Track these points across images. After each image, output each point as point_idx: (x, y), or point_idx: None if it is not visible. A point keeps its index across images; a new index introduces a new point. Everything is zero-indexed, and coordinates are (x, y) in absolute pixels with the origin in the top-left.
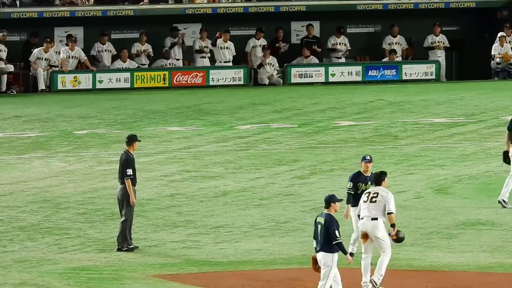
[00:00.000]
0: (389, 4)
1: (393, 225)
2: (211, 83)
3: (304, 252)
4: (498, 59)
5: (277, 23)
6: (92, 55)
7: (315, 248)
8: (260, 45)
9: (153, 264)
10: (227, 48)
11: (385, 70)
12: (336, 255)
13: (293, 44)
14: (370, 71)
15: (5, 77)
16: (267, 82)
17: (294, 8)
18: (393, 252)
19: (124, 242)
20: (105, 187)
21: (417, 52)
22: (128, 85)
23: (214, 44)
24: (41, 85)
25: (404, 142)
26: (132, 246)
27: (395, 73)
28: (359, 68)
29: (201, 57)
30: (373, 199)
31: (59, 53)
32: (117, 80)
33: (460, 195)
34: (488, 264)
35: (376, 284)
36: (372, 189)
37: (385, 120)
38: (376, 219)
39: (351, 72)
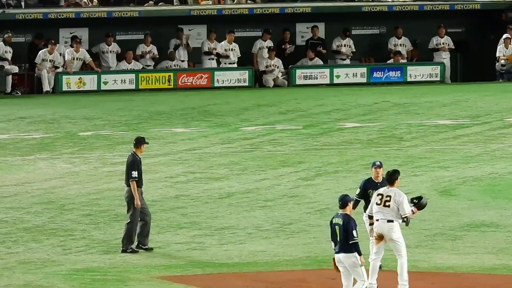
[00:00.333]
0: (394, 5)
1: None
2: (216, 84)
3: (309, 254)
4: (503, 61)
5: (282, 24)
6: (94, 52)
7: (335, 250)
8: (266, 47)
9: (158, 265)
10: (232, 49)
11: (390, 72)
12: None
13: (298, 46)
14: (375, 72)
15: (10, 78)
16: (271, 84)
17: (299, 10)
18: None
19: (129, 244)
20: (110, 189)
21: (422, 54)
22: (133, 86)
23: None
24: (46, 87)
25: (409, 144)
26: (132, 249)
27: (400, 74)
28: (364, 70)
29: (209, 59)
30: (387, 203)
31: (63, 55)
32: (122, 82)
33: (464, 196)
34: (493, 265)
35: None
36: (385, 190)
37: (390, 122)
38: (392, 221)
39: (356, 73)
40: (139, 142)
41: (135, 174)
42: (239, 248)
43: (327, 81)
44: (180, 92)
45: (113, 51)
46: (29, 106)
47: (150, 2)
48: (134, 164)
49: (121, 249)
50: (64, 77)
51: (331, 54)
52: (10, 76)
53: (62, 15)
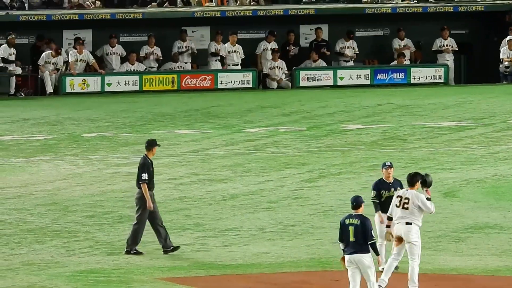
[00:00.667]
0: (397, 7)
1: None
2: (219, 86)
3: (312, 256)
4: (506, 63)
5: (286, 26)
6: (98, 55)
7: (343, 250)
8: (270, 49)
9: (161, 267)
10: (235, 51)
11: (394, 74)
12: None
13: (302, 48)
14: (378, 74)
15: (13, 79)
16: (275, 86)
17: (302, 12)
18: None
19: (133, 245)
20: (114, 190)
21: (426, 56)
22: (136, 88)
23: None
24: (49, 88)
25: (413, 146)
26: (136, 250)
27: (403, 76)
28: (367, 72)
29: (216, 60)
30: (405, 206)
31: (67, 56)
32: (125, 83)
33: (468, 198)
34: (496, 267)
35: None
36: (404, 192)
37: (393, 124)
38: (410, 223)
39: (360, 75)
40: (151, 144)
41: (145, 176)
42: (242, 250)
43: (331, 82)
44: (184, 93)
45: (117, 53)
46: (32, 108)
47: (154, 3)
48: (144, 166)
49: (126, 249)
50: (68, 78)
51: (334, 56)
52: (14, 77)
53: (66, 17)
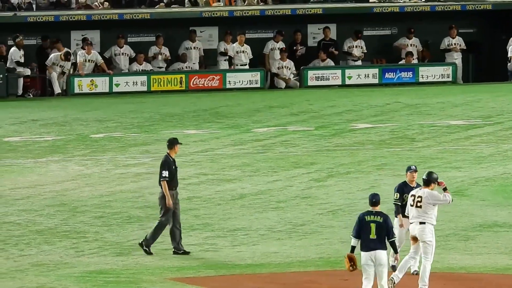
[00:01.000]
0: (405, 6)
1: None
2: (227, 86)
3: (321, 255)
4: None
5: (294, 26)
6: (107, 57)
7: (353, 247)
8: (278, 48)
9: (170, 267)
10: (243, 51)
11: (402, 73)
12: None
13: (310, 47)
14: (386, 73)
15: (21, 80)
16: (283, 85)
17: (310, 11)
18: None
19: (150, 241)
20: (122, 191)
21: (434, 55)
22: (145, 88)
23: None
24: (57, 89)
25: (421, 145)
26: (149, 250)
27: (411, 75)
28: (375, 71)
29: (225, 60)
30: (418, 204)
31: (75, 60)
32: (133, 84)
33: (477, 197)
34: (506, 266)
35: None
36: (417, 191)
37: (401, 123)
38: (423, 223)
39: (368, 74)
40: (172, 143)
41: (165, 174)
42: (251, 250)
43: (339, 82)
44: (192, 93)
45: (125, 54)
46: (41, 109)
47: (162, 4)
48: (165, 164)
49: (141, 241)
50: (76, 79)
51: (342, 55)
52: (22, 78)
53: (74, 18)
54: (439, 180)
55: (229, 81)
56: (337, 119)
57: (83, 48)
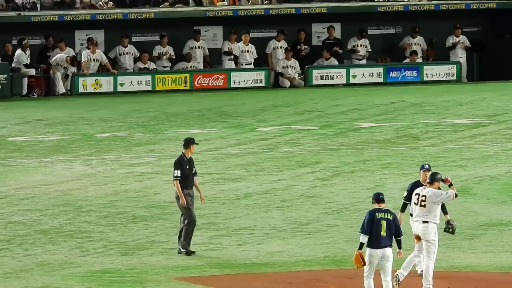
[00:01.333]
0: (410, 5)
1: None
2: (232, 85)
3: (326, 254)
4: None
5: (298, 25)
6: (111, 57)
7: (362, 244)
8: (280, 47)
9: (175, 266)
10: (248, 51)
11: (406, 71)
12: None
13: (314, 46)
14: (391, 72)
15: (26, 80)
16: (288, 84)
17: (315, 10)
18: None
19: (186, 245)
20: (127, 190)
21: (438, 53)
22: (149, 87)
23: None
24: (61, 89)
25: (426, 143)
26: (189, 251)
27: (416, 74)
28: (380, 70)
29: (229, 59)
30: (422, 203)
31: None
32: (138, 83)
33: (481, 196)
34: (511, 264)
35: None
36: (421, 190)
37: (406, 121)
38: (426, 222)
39: (372, 73)
40: (188, 143)
41: (177, 173)
42: (256, 249)
43: (344, 81)
44: (197, 93)
45: (129, 53)
46: (45, 108)
47: (166, 3)
48: (177, 163)
49: (178, 249)
50: (81, 79)
51: (347, 54)
52: (26, 78)
53: (78, 17)
54: (443, 178)
55: (234, 81)
56: (341, 118)
57: (88, 47)
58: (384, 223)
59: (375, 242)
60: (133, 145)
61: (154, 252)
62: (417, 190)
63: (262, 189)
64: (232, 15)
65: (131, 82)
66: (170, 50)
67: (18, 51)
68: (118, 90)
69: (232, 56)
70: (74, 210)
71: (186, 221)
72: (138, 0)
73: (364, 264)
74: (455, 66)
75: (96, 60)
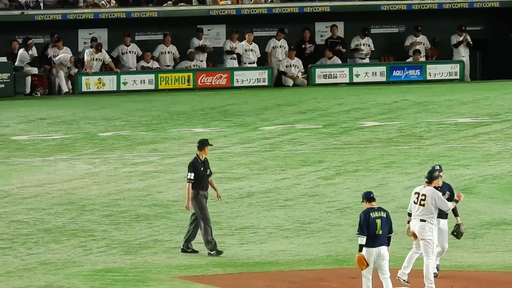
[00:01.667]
0: (413, 4)
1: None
2: (235, 84)
3: (329, 253)
4: None
5: (301, 24)
6: (114, 56)
7: (362, 246)
8: (280, 46)
9: (178, 265)
10: (251, 50)
11: (409, 71)
12: None
13: (317, 45)
14: (394, 71)
15: (29, 79)
16: (291, 83)
17: (318, 9)
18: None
19: (208, 245)
20: (130, 189)
21: (441, 52)
22: (152, 86)
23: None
24: (64, 88)
25: (429, 142)
26: (216, 250)
27: (419, 73)
28: (383, 69)
29: (231, 58)
30: (422, 202)
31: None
32: (141, 82)
33: (485, 195)
34: None
35: None
36: (421, 189)
37: (409, 120)
38: (424, 221)
39: (375, 72)
40: (202, 144)
41: (190, 176)
42: (259, 248)
43: (347, 80)
44: (200, 92)
45: (132, 52)
46: (48, 107)
47: (169, 2)
48: (191, 166)
49: (208, 251)
50: (83, 77)
51: (350, 53)
52: (30, 77)
53: (81, 16)
54: (457, 195)
55: (237, 79)
56: (345, 117)
57: (91, 47)
58: (379, 222)
59: (371, 241)
60: (136, 144)
61: (157, 251)
62: (416, 189)
63: (265, 188)
64: (235, 14)
65: (134, 81)
66: (173, 49)
67: (21, 50)
68: (121, 89)
69: (234, 55)
70: (77, 209)
71: (201, 224)
72: None
73: (368, 265)
74: (458, 65)
75: (99, 59)
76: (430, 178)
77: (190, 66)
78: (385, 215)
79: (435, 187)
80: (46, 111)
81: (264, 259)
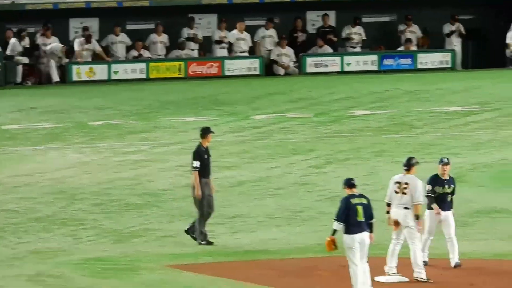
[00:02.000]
0: None
1: (417, 217)
2: (226, 73)
3: (320, 241)
4: None
5: (293, 13)
6: (105, 45)
7: (335, 231)
8: (269, 36)
9: (169, 254)
10: (243, 39)
11: (401, 59)
12: None
13: (309, 34)
14: (385, 60)
15: (20, 68)
16: (282, 72)
17: None
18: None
19: (201, 235)
20: (121, 178)
21: (433, 41)
22: (143, 76)
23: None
24: (55, 77)
25: (420, 131)
26: (204, 240)
27: (410, 62)
28: (374, 57)
29: (220, 48)
30: (405, 191)
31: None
32: (132, 71)
33: (475, 183)
34: (504, 251)
35: (424, 279)
36: (401, 178)
37: (400, 109)
38: (408, 208)
39: (367, 61)
40: (205, 132)
41: (196, 164)
42: (250, 236)
43: (338, 69)
44: (191, 81)
45: (122, 42)
46: (39, 96)
47: None
48: (195, 154)
49: (199, 242)
50: (74, 67)
51: (341, 42)
52: (21, 66)
53: (72, 5)
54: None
55: (228, 68)
56: (336, 106)
57: (82, 36)
58: (360, 208)
59: (353, 227)
60: (127, 133)
61: (148, 240)
62: (396, 178)
63: (256, 177)
64: (226, 3)
65: (125, 70)
66: (164, 38)
67: (14, 39)
68: (112, 78)
69: (224, 45)
70: (68, 198)
71: (198, 213)
72: None
73: (336, 248)
74: (449, 53)
75: (90, 49)
76: (409, 165)
77: (181, 55)
78: (366, 202)
79: (444, 180)
80: (37, 100)
81: (254, 248)
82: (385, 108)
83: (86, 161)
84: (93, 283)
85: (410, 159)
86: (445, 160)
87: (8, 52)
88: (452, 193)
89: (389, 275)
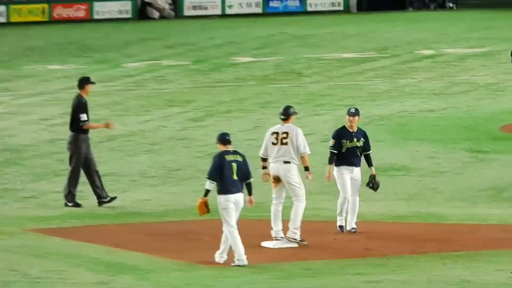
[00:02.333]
0: None
1: (307, 168)
2: (95, 16)
3: None
4: None
5: None
6: None
7: (208, 191)
8: None
9: (32, 217)
10: None
11: (288, 1)
12: None
13: None
14: (271, 2)
15: None
16: (157, 15)
17: None
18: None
19: (69, 195)
20: None
21: None
22: (3, 19)
23: None
24: None
25: (309, 80)
26: (72, 203)
27: (299, 4)
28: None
29: None
30: (284, 141)
31: None
32: None
33: (371, 137)
34: (404, 213)
35: (296, 239)
36: (280, 128)
37: (288, 56)
38: (288, 162)
39: (251, 3)
40: (83, 82)
41: (84, 117)
42: (121, 197)
43: (219, 12)
44: (56, 25)
45: None
46: None
47: None
48: (80, 107)
49: (64, 202)
50: None
51: None
52: None
53: None
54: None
55: (97, 11)
56: (216, 53)
57: None
58: (234, 165)
59: (227, 187)
60: None
61: (8, 201)
62: (273, 129)
63: (127, 131)
64: None
65: None
66: None
67: None
68: None
69: None
70: None
71: (71, 170)
72: None
73: (208, 211)
74: None
75: None
76: (287, 114)
77: None
78: (241, 159)
79: (352, 132)
80: None
81: (126, 210)
82: (271, 54)
83: None
84: None
85: (287, 107)
86: (352, 110)
87: None
88: (366, 148)
89: (277, 239)
